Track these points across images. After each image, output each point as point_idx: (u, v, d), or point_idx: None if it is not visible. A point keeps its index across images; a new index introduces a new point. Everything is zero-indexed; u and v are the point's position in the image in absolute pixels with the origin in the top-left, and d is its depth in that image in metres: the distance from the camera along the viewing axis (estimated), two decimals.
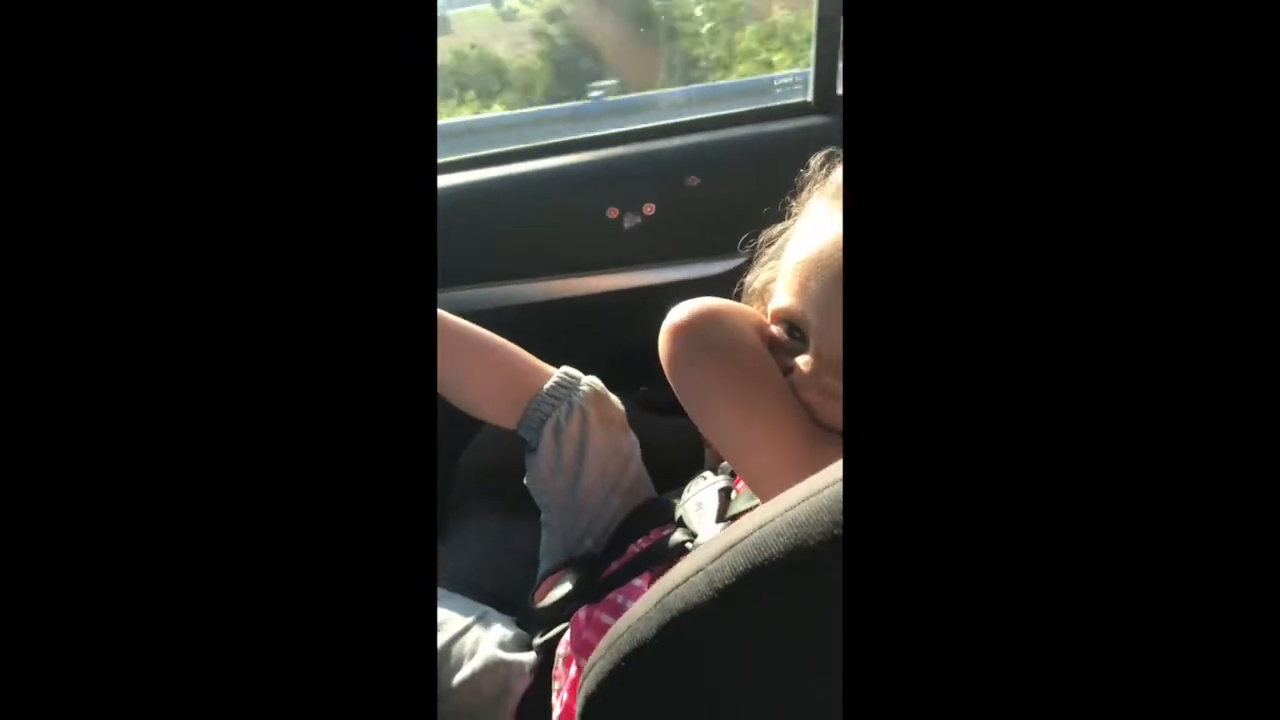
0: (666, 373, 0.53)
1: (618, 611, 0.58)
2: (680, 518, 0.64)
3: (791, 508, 0.26)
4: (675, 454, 0.85)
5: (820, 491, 0.26)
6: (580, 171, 1.06)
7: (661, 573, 0.58)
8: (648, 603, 0.29)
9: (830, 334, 0.48)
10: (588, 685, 0.31)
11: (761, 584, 0.26)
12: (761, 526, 0.27)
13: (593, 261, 1.07)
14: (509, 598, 0.75)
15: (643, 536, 0.68)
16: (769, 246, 0.64)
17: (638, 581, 0.59)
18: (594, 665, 0.31)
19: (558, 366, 1.08)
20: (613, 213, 1.04)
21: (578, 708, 0.32)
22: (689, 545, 0.59)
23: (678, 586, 0.28)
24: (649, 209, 1.02)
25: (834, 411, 0.48)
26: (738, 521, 0.30)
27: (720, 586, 0.27)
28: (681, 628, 0.28)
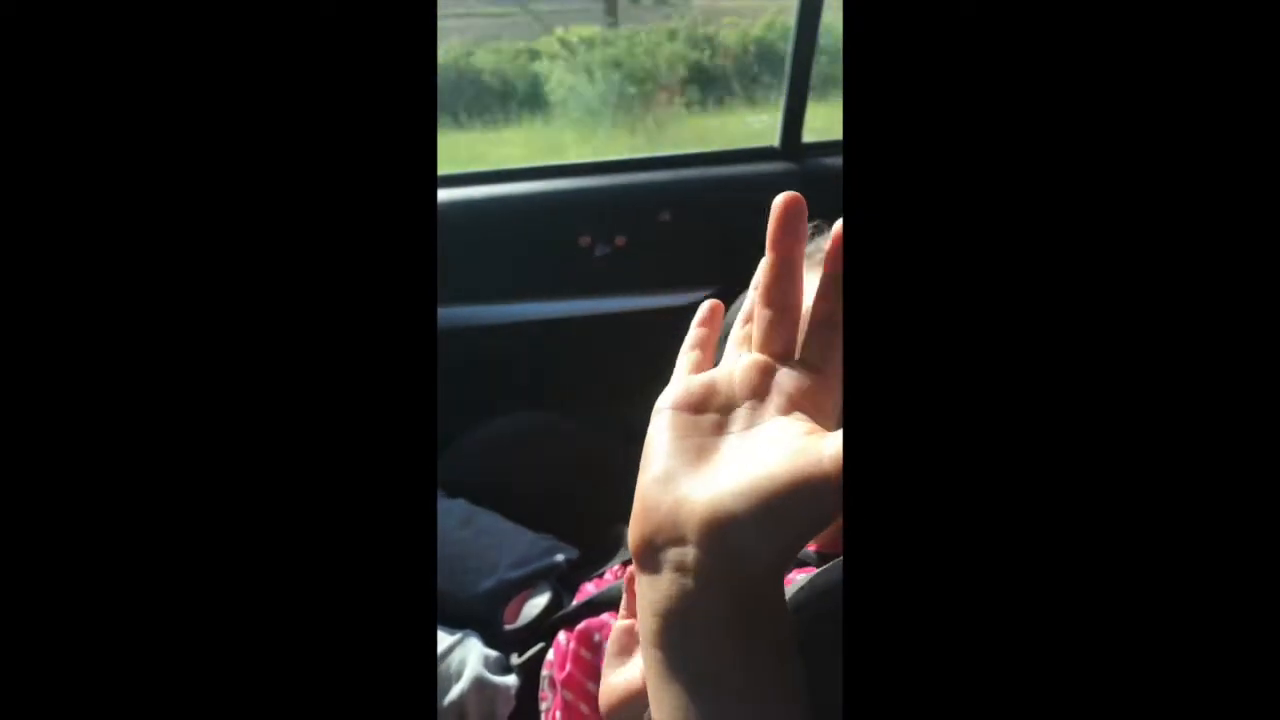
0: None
1: (594, 647, 0.60)
2: None
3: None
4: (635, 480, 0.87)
5: None
6: (554, 198, 1.09)
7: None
8: None
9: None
10: None
11: None
12: None
13: (561, 287, 1.09)
14: (459, 594, 0.76)
15: (609, 568, 0.70)
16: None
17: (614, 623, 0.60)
18: None
19: (520, 390, 1.09)
20: (585, 241, 1.06)
21: None
22: None
23: None
24: (620, 241, 1.05)
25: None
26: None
27: None
28: None
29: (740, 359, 0.31)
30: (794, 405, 0.29)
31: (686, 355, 0.33)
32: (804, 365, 0.30)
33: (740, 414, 0.29)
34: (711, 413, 0.30)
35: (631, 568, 0.30)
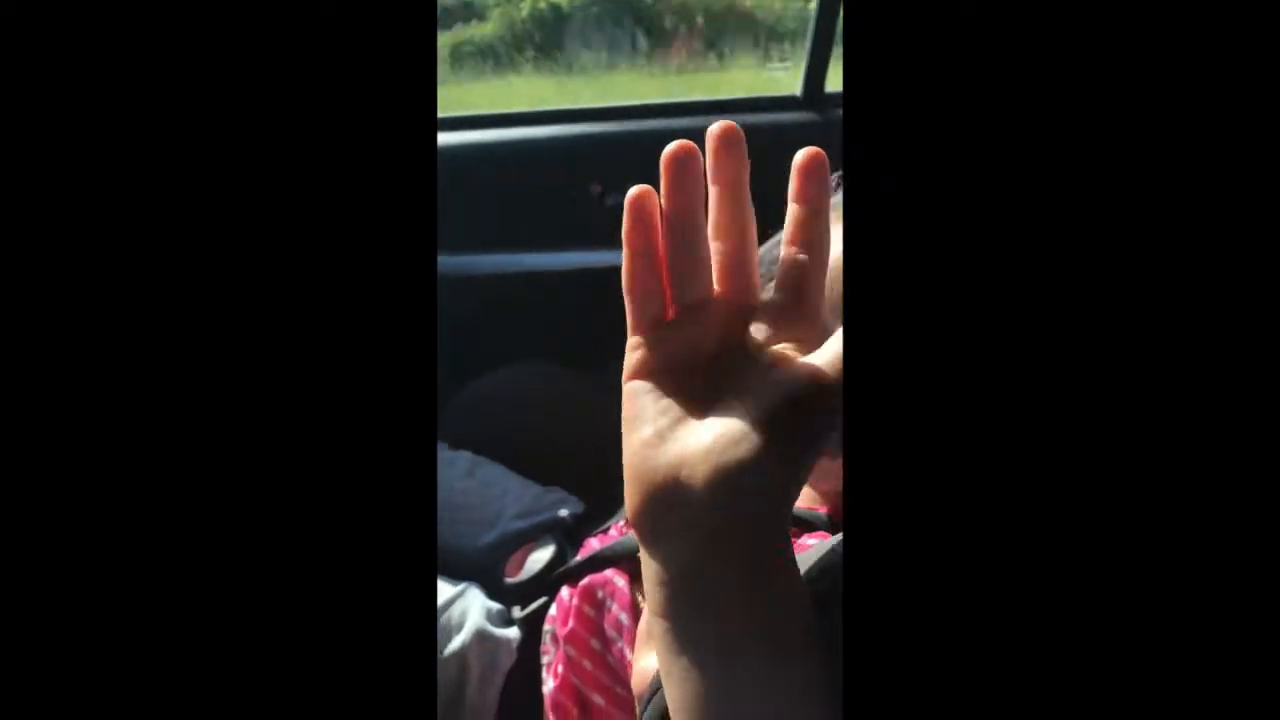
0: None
1: (598, 604, 0.59)
2: None
3: None
4: None
5: None
6: (565, 144, 1.05)
7: (638, 572, 0.59)
8: None
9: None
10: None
11: None
12: None
13: (569, 237, 1.06)
14: (462, 546, 0.75)
15: (615, 523, 0.69)
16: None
17: (619, 580, 0.60)
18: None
19: (528, 341, 1.07)
20: (596, 189, 1.03)
21: None
22: None
23: None
24: None
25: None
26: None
27: None
28: None
29: (704, 308, 0.29)
30: (775, 339, 0.28)
31: (636, 294, 0.30)
32: (777, 304, 0.29)
33: (723, 360, 0.28)
34: (688, 368, 0.28)
35: None
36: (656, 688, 0.33)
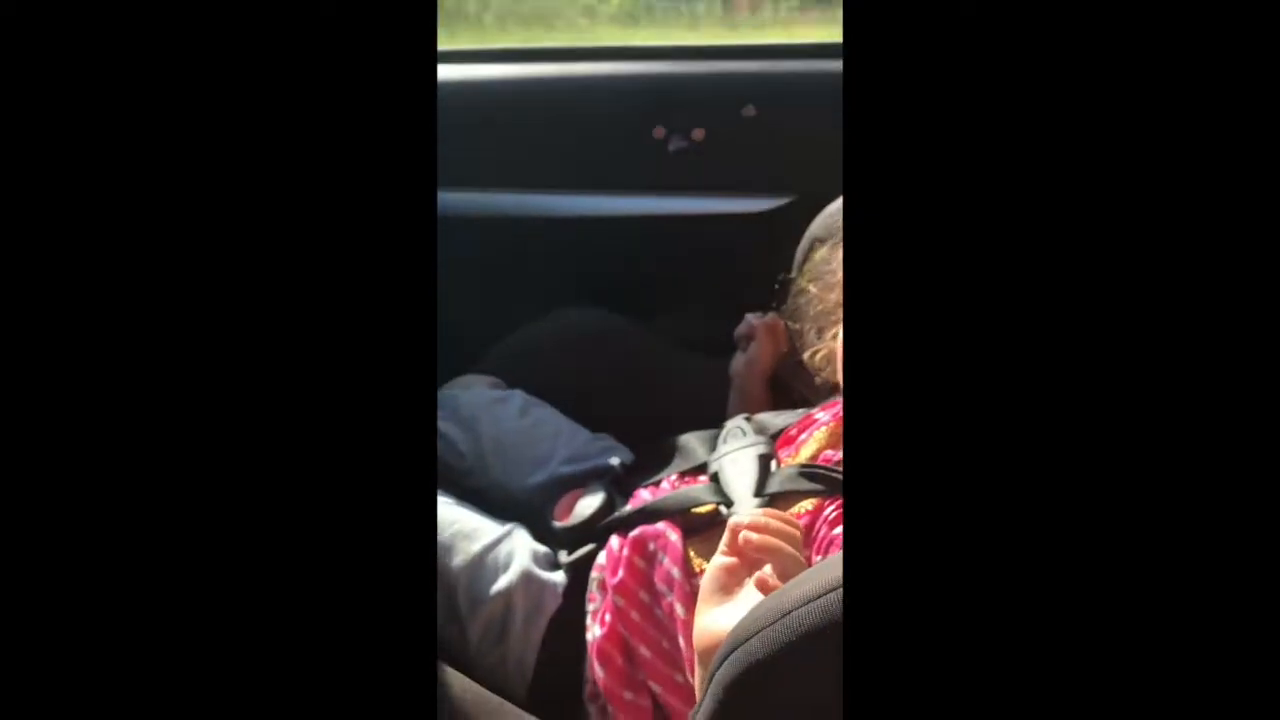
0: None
1: (649, 556, 0.60)
2: (715, 473, 0.64)
3: None
4: (697, 392, 0.85)
5: None
6: (628, 83, 1.02)
7: (690, 527, 0.59)
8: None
9: None
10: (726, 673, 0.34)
11: None
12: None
13: (630, 181, 1.03)
14: (510, 485, 0.76)
15: (667, 476, 0.69)
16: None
17: (671, 534, 0.59)
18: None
19: (579, 289, 1.06)
20: (659, 132, 1.00)
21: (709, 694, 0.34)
22: (723, 511, 0.60)
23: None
24: (699, 134, 0.99)
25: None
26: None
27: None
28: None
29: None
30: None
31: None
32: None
33: None
34: None
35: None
36: (734, 645, 0.34)
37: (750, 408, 0.75)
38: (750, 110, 0.97)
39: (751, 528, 0.44)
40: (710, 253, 1.00)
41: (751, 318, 0.83)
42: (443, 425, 0.77)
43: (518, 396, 0.82)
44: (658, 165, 1.01)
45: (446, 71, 1.00)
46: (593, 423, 0.83)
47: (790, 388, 0.81)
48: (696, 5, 1.72)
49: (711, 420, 0.74)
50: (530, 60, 1.06)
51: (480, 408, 0.80)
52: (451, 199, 0.97)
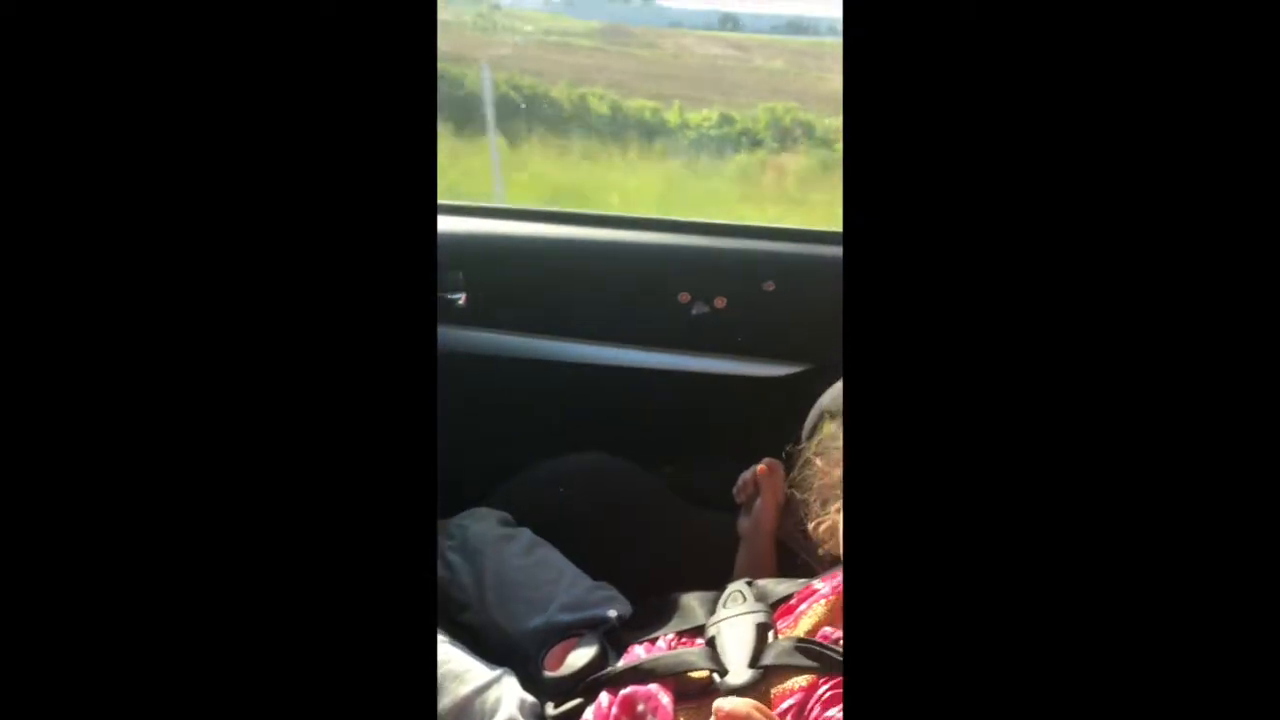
0: None
1: (637, 718, 0.59)
2: (712, 638, 0.64)
3: None
4: (701, 548, 0.85)
5: None
6: (659, 251, 1.10)
7: (682, 691, 0.59)
8: None
9: None
10: None
11: None
12: None
13: (652, 338, 1.09)
14: (506, 626, 0.75)
15: (664, 634, 0.68)
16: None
17: (663, 697, 0.59)
18: None
19: (598, 434, 1.09)
20: (684, 297, 1.06)
21: None
22: (716, 680, 0.59)
23: None
24: (720, 302, 1.05)
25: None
26: None
27: None
28: None
29: None
30: None
31: None
32: None
33: None
34: None
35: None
36: None
37: (757, 567, 0.75)
38: (769, 285, 1.04)
39: (732, 716, 0.48)
40: (725, 411, 1.04)
41: (747, 474, 0.84)
42: (450, 555, 0.77)
43: (525, 534, 0.83)
44: (681, 327, 1.07)
45: (505, 226, 1.12)
46: (597, 566, 0.83)
47: (794, 554, 0.81)
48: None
49: (715, 576, 0.75)
50: (576, 224, 1.15)
51: (487, 542, 0.81)
52: (493, 340, 1.05)
